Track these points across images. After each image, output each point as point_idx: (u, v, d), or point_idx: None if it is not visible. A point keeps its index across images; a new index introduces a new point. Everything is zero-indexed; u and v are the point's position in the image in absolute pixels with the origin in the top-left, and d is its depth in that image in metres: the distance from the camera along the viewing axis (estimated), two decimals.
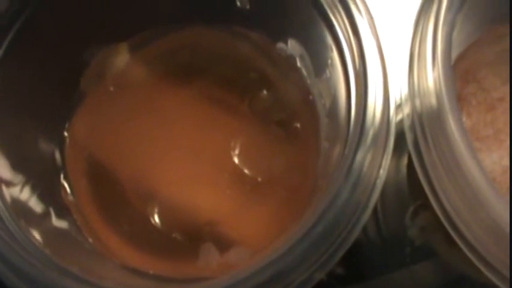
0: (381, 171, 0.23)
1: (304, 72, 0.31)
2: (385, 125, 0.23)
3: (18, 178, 0.27)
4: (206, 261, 0.29)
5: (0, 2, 0.26)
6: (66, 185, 0.30)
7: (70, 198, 0.30)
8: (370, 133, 0.23)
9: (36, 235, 0.25)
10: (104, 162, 0.31)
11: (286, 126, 0.31)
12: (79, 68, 0.31)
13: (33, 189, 0.27)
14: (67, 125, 0.31)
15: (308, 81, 0.31)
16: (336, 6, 0.25)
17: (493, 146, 0.30)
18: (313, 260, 0.22)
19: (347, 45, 0.25)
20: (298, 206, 0.29)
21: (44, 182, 0.29)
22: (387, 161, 0.24)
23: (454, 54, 0.26)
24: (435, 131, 0.24)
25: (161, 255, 0.29)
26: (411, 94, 0.25)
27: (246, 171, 0.30)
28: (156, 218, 0.30)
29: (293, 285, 0.22)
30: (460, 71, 0.31)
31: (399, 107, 0.25)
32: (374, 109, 0.23)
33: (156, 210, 0.30)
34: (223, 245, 0.29)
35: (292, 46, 0.31)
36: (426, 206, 0.29)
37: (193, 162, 0.30)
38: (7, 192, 0.25)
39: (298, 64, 0.31)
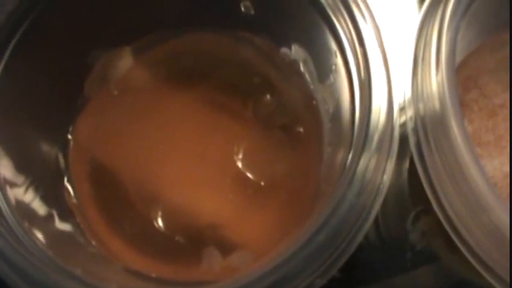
0: (385, 176, 0.23)
1: (307, 77, 0.31)
2: (389, 130, 0.23)
3: (22, 180, 0.27)
4: (209, 264, 0.29)
5: (6, 2, 0.26)
6: (69, 187, 0.30)
7: (73, 200, 0.30)
8: (375, 138, 0.23)
9: (40, 237, 0.25)
10: (107, 165, 0.31)
11: (289, 130, 0.31)
12: (83, 71, 0.31)
13: (37, 191, 0.27)
14: (70, 128, 0.31)
15: (311, 86, 0.31)
16: (340, 11, 0.25)
17: (494, 152, 0.30)
18: (316, 266, 0.22)
19: (351, 51, 0.25)
20: (301, 210, 0.29)
21: (47, 184, 0.29)
22: (391, 166, 0.24)
23: (456, 61, 0.26)
24: (438, 134, 0.24)
25: (164, 258, 0.29)
26: (415, 98, 0.25)
27: (249, 175, 0.30)
28: (159, 221, 0.30)
29: None
30: (462, 77, 0.31)
31: (402, 109, 0.25)
32: (379, 114, 0.23)
33: (159, 213, 0.30)
34: (226, 248, 0.29)
35: (296, 51, 0.31)
36: (427, 210, 0.29)
37: (196, 166, 0.31)
38: (11, 194, 0.25)
39: (302, 69, 0.31)
